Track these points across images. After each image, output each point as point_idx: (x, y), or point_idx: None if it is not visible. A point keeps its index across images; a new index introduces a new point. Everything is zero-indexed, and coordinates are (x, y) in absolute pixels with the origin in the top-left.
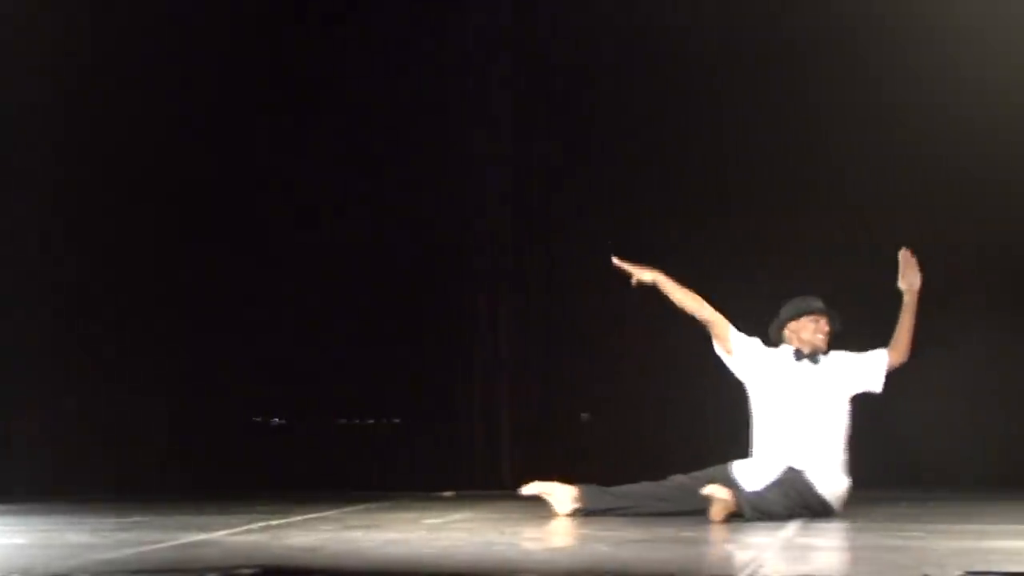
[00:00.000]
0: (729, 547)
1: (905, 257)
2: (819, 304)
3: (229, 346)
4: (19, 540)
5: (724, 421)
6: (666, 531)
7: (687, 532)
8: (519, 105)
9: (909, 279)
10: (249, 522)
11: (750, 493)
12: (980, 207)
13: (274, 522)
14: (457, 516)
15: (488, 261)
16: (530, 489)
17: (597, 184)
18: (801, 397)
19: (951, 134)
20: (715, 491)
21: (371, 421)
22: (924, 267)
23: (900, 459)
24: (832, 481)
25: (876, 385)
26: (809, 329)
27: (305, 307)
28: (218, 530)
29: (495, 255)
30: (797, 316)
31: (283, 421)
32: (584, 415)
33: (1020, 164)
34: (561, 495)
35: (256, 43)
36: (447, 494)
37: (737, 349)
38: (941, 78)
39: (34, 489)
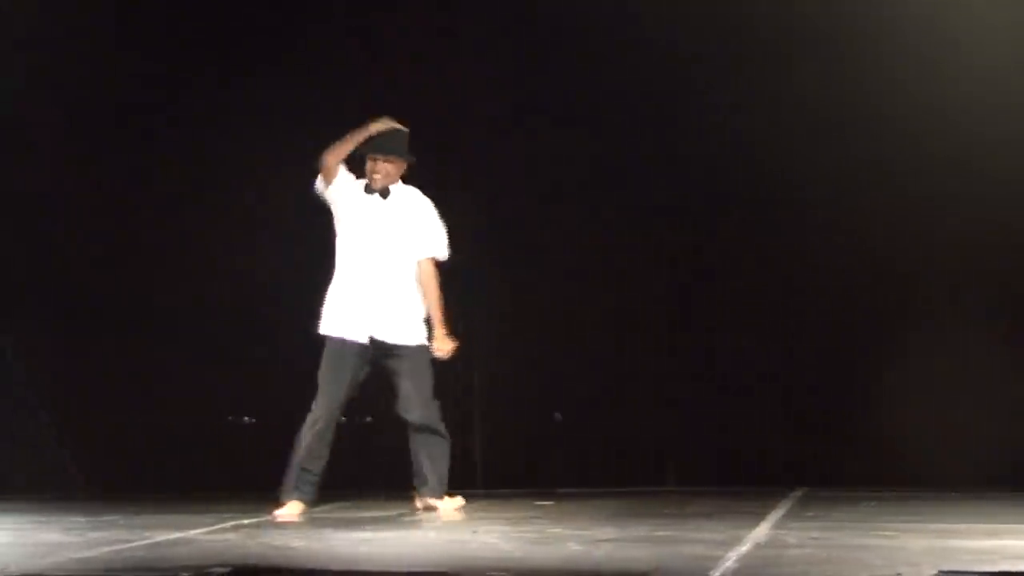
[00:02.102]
0: (701, 547)
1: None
2: (378, 146)
3: (197, 345)
4: None
5: None
6: (639, 530)
7: (660, 532)
8: None
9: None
10: (221, 521)
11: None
12: (981, 209)
13: (246, 521)
14: (430, 514)
15: None
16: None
17: None
18: (371, 228)
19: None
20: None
21: (343, 419)
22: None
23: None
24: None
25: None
26: (368, 169)
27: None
28: (191, 529)
29: None
30: (363, 155)
31: (254, 420)
32: (557, 415)
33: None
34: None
35: None
36: None
37: (337, 180)
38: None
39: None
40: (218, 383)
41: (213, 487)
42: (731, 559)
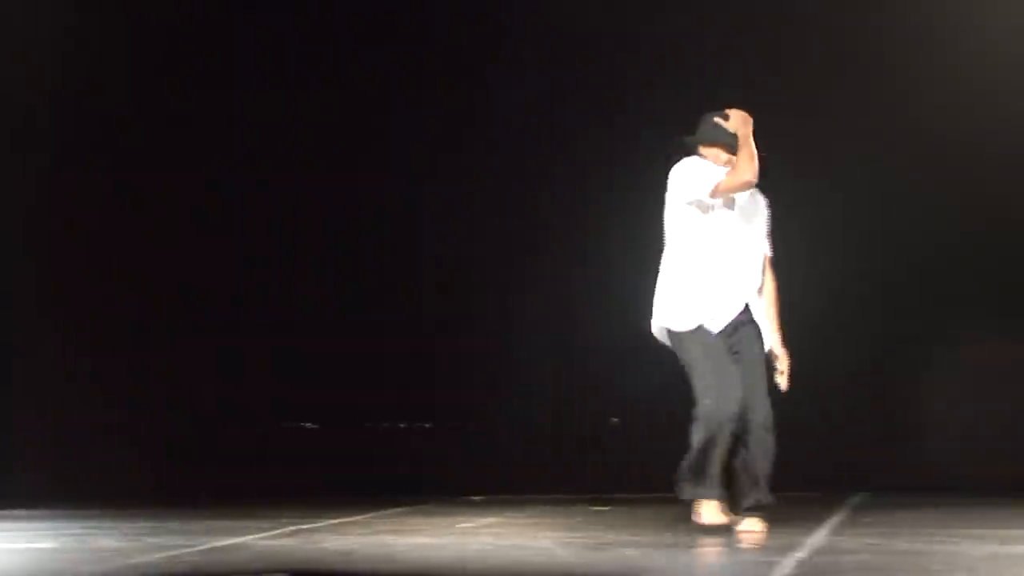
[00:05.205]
0: (759, 552)
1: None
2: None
3: (257, 351)
4: (47, 544)
5: None
6: (694, 536)
7: (716, 537)
8: None
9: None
10: (279, 526)
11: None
12: (995, 209)
13: (305, 526)
14: (487, 520)
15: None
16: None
17: None
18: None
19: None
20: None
21: (402, 425)
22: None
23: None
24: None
25: None
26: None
27: (337, 311)
28: (248, 534)
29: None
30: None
31: (315, 426)
32: (614, 419)
33: None
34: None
35: None
36: (477, 498)
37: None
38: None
39: (64, 496)
40: (283, 388)
41: (274, 494)
42: (788, 565)
